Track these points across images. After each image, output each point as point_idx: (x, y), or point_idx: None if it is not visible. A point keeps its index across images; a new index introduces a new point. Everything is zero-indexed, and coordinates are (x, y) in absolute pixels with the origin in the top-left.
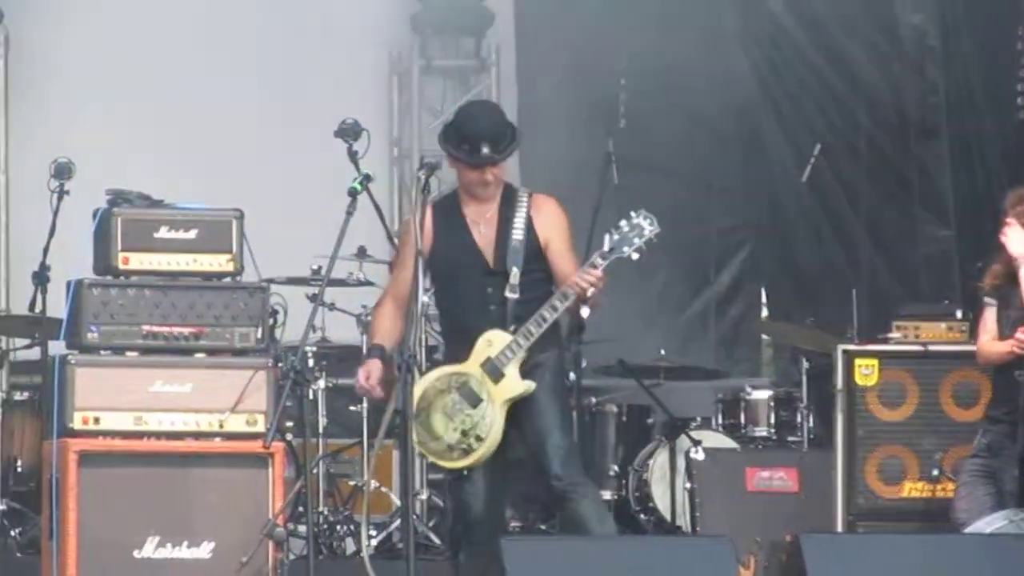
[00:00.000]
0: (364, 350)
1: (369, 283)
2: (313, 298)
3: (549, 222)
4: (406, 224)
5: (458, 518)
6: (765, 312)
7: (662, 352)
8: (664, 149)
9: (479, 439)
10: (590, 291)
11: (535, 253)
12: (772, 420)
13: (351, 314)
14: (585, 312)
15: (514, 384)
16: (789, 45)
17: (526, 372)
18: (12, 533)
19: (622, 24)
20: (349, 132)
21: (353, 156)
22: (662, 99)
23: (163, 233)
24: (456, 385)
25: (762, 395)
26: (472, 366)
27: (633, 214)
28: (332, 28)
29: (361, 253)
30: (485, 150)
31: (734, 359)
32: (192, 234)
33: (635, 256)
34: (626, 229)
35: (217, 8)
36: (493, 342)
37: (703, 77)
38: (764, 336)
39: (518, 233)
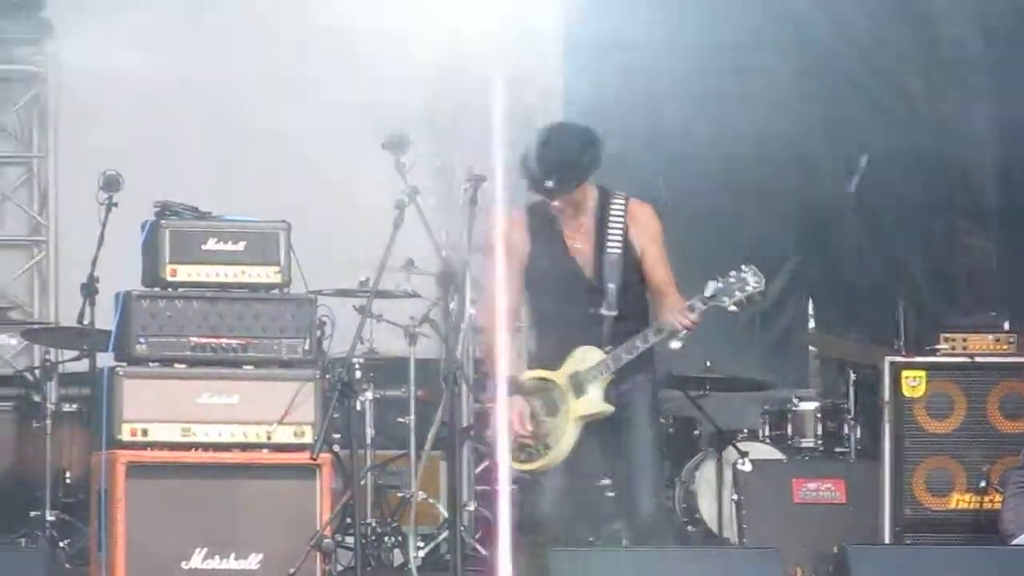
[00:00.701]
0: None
1: (416, 295)
2: (361, 310)
3: (644, 230)
4: (509, 238)
5: (524, 514)
6: (812, 324)
7: (708, 364)
8: (711, 162)
9: (547, 447)
10: (683, 332)
11: (633, 265)
12: (819, 431)
13: (399, 326)
14: (676, 345)
15: (593, 404)
16: (833, 59)
17: (623, 391)
18: (61, 544)
19: (667, 40)
20: (396, 144)
21: (400, 168)
22: (708, 112)
23: (211, 245)
24: (541, 390)
25: (809, 406)
26: (561, 376)
27: (744, 267)
28: (378, 39)
29: (409, 265)
30: (548, 183)
31: (781, 371)
32: (240, 246)
33: (733, 308)
34: (731, 280)
35: (264, 22)
36: (586, 357)
37: (749, 89)
38: (811, 348)
39: (615, 246)
